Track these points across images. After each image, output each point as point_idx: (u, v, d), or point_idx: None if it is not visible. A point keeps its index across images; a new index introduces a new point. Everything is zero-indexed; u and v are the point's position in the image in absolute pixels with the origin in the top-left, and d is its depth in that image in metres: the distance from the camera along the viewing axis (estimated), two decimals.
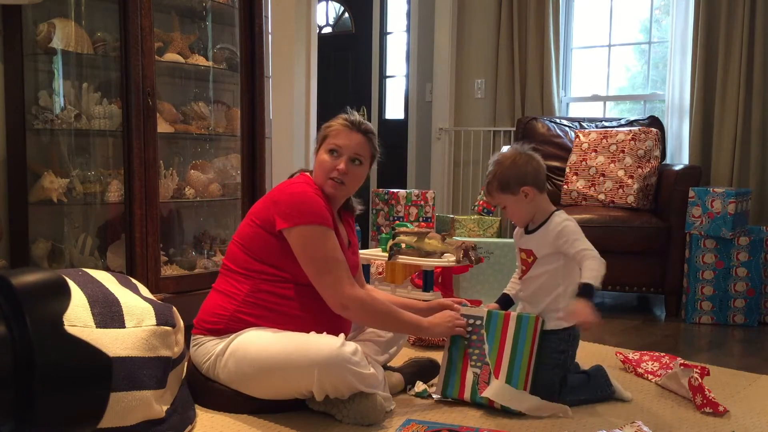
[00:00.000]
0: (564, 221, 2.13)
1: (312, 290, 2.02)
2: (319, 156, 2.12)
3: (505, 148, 2.23)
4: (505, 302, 2.28)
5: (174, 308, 1.95)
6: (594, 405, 2.15)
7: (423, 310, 2.24)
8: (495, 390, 2.02)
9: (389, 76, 5.78)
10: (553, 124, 4.23)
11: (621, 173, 3.73)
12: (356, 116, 2.15)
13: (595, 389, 2.17)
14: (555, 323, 2.12)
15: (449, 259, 2.78)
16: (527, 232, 2.20)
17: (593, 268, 2.01)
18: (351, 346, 1.90)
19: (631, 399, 2.19)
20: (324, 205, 2.03)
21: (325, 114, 5.24)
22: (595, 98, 4.73)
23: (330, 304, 2.01)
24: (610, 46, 4.64)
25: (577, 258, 2.06)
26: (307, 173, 2.17)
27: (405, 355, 2.47)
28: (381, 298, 2.12)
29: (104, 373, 1.13)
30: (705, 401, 2.10)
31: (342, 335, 1.94)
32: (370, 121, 5.63)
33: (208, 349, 2.04)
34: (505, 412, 2.01)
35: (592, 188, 3.80)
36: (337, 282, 1.99)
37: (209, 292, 2.16)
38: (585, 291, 1.98)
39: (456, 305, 2.21)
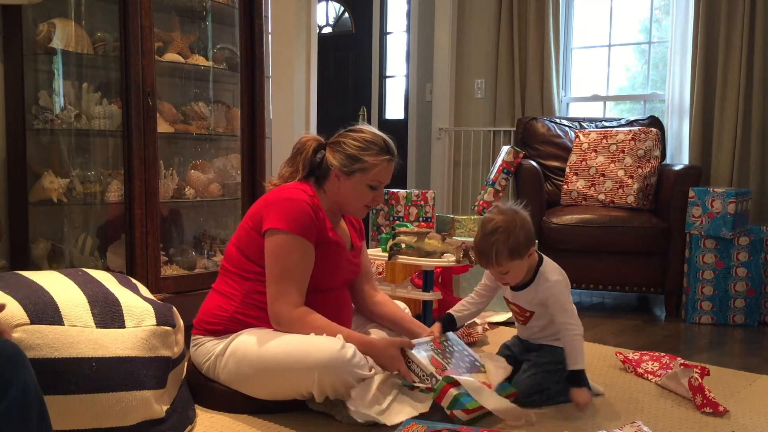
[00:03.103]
0: (556, 284, 2.10)
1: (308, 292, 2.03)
2: (354, 185, 2.09)
3: (494, 207, 2.12)
4: (449, 322, 2.23)
5: (174, 308, 1.95)
6: (594, 406, 2.15)
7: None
8: (465, 381, 1.97)
9: (389, 76, 5.78)
10: (553, 124, 4.23)
11: (621, 173, 3.73)
12: (390, 142, 2.13)
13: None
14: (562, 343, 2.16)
15: (449, 259, 2.78)
16: (514, 288, 2.17)
17: (577, 350, 2.07)
18: (351, 347, 1.90)
19: (603, 392, 2.24)
20: (311, 216, 2.01)
21: (325, 114, 5.24)
22: (595, 98, 4.73)
23: (268, 312, 2.00)
24: (610, 46, 4.63)
25: (561, 329, 2.10)
26: (307, 183, 2.14)
27: None
28: (322, 321, 1.99)
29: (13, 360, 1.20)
30: (705, 401, 2.10)
31: (341, 336, 1.94)
32: (370, 121, 5.64)
33: (208, 349, 2.04)
34: None
35: (592, 188, 3.80)
36: (279, 295, 1.98)
37: (209, 292, 2.16)
38: (578, 379, 2.06)
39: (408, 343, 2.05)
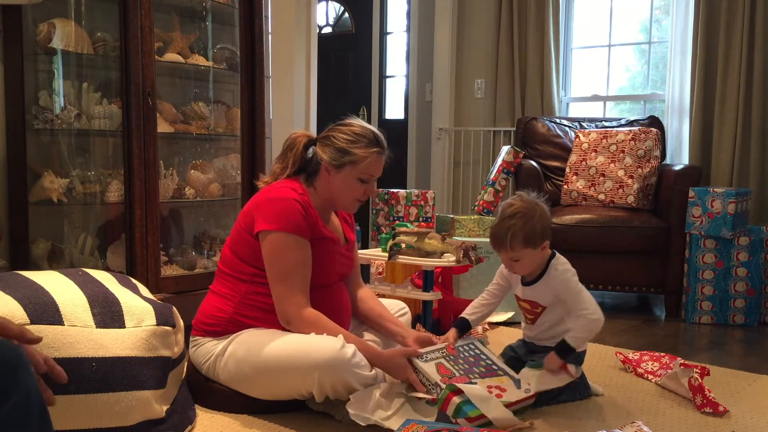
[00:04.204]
0: (565, 272, 2.12)
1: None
2: (345, 179, 2.08)
3: (514, 197, 2.15)
4: (463, 327, 2.24)
5: (174, 308, 1.95)
6: (594, 406, 2.15)
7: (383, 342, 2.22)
8: (469, 389, 1.95)
9: (389, 76, 5.78)
10: (553, 124, 4.23)
11: (621, 173, 3.73)
12: (380, 135, 2.12)
13: (573, 392, 2.18)
14: None
15: (449, 259, 2.78)
16: (525, 283, 2.17)
17: (581, 333, 2.07)
18: (351, 347, 1.90)
19: (602, 393, 2.24)
20: (301, 213, 2.00)
21: (325, 114, 5.26)
22: (595, 98, 4.73)
23: (277, 313, 2.01)
24: (610, 46, 4.64)
25: (576, 315, 2.09)
26: (298, 180, 2.14)
27: None
28: (331, 325, 2.00)
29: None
30: (705, 401, 2.10)
31: (341, 336, 1.94)
32: (370, 121, 5.64)
33: (208, 349, 2.04)
34: None
35: (592, 188, 3.80)
36: (285, 294, 1.98)
37: (207, 293, 2.16)
38: (562, 350, 2.06)
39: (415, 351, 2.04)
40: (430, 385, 1.95)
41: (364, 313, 2.28)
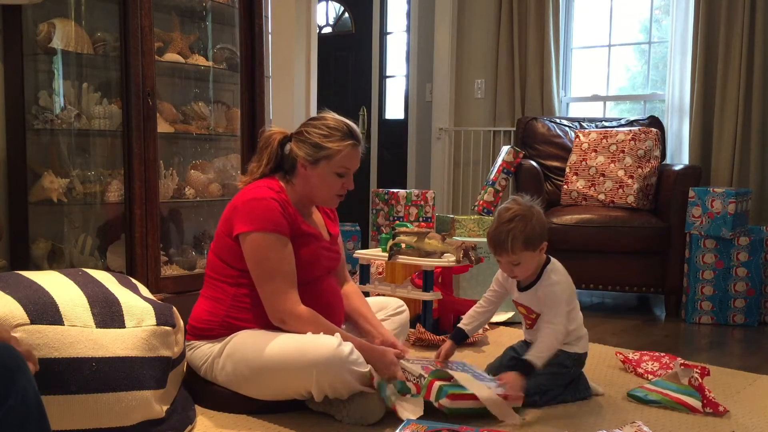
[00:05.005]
0: (556, 283, 2.10)
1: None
2: (321, 174, 2.06)
3: (509, 201, 2.13)
4: (460, 337, 2.25)
5: (174, 308, 1.95)
6: (594, 406, 2.15)
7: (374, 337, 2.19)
8: (455, 374, 1.98)
9: (389, 76, 5.78)
10: (553, 124, 4.23)
11: (621, 173, 3.73)
12: (354, 127, 2.11)
13: (574, 392, 2.19)
14: (569, 348, 2.16)
15: (449, 259, 2.78)
16: (521, 288, 2.17)
17: (544, 347, 2.02)
18: (348, 345, 1.90)
19: (603, 393, 2.24)
20: (279, 211, 1.99)
21: None
22: (595, 98, 4.73)
23: (268, 314, 2.00)
24: (610, 46, 4.63)
25: (543, 324, 2.07)
26: (275, 178, 2.13)
27: None
28: (327, 322, 2.01)
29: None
30: (705, 401, 2.10)
31: (338, 335, 1.94)
32: (370, 121, 5.64)
33: (204, 352, 2.04)
34: None
35: (592, 188, 3.80)
36: (275, 293, 1.98)
37: (198, 297, 2.16)
38: (524, 367, 2.00)
39: (400, 353, 2.09)
40: (414, 378, 1.98)
41: (345, 309, 2.28)
